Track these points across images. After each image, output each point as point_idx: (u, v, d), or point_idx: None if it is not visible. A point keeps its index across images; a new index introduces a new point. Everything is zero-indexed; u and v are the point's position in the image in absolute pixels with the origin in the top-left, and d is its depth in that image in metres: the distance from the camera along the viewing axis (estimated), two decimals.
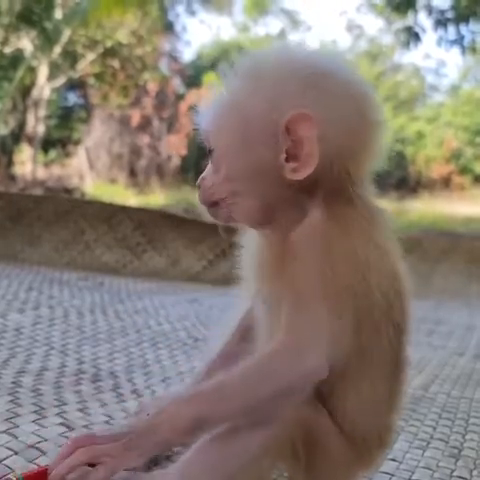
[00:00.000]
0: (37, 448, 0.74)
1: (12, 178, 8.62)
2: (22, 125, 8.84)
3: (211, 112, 0.64)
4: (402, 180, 9.95)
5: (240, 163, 0.62)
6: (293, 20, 11.51)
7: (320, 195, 0.60)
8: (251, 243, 0.66)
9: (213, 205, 0.65)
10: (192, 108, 0.66)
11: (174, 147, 10.70)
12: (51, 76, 8.67)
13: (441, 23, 6.20)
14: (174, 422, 0.56)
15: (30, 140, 8.95)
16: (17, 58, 6.70)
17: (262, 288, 0.63)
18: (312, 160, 0.58)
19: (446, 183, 10.38)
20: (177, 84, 11.30)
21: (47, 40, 6.62)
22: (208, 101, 0.65)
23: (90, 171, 10.02)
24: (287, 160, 0.59)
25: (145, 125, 10.61)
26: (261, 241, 0.64)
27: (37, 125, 8.88)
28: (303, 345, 0.57)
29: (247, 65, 0.63)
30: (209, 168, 0.65)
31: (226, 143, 0.63)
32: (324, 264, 0.57)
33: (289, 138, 0.59)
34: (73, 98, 10.48)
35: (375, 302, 0.58)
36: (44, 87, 8.67)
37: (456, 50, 6.75)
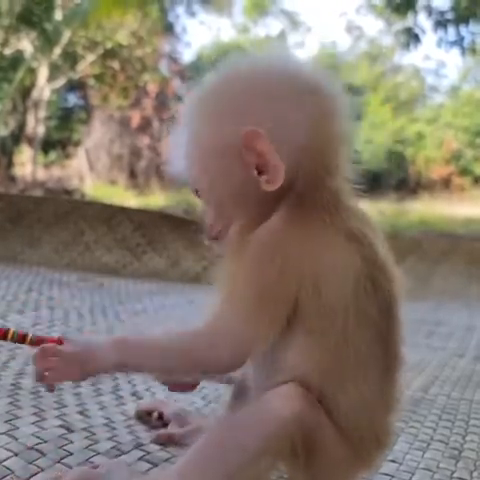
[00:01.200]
0: (37, 450, 0.74)
1: (12, 179, 8.62)
2: (22, 126, 8.84)
3: (179, 155, 0.66)
4: (402, 181, 9.95)
5: (222, 190, 0.64)
6: (293, 21, 11.52)
7: (291, 199, 0.61)
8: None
9: (216, 239, 0.67)
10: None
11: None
12: (51, 77, 8.68)
13: (441, 24, 6.20)
14: (99, 363, 0.62)
15: (30, 141, 8.95)
16: (17, 59, 6.70)
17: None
18: (279, 169, 0.60)
19: (446, 184, 10.38)
20: (177, 85, 11.32)
21: (47, 41, 6.62)
22: (173, 145, 0.68)
23: (90, 172, 10.03)
24: (259, 174, 0.61)
25: (145, 126, 10.62)
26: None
27: (37, 126, 8.88)
28: (222, 338, 0.60)
29: (194, 97, 0.66)
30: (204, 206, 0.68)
31: (203, 176, 0.65)
32: (265, 266, 0.59)
33: (253, 154, 0.60)
34: (73, 99, 10.48)
35: (328, 306, 0.59)
36: (44, 88, 8.67)
37: (456, 51, 6.75)
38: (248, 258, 0.60)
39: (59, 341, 0.66)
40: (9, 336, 0.69)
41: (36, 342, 0.68)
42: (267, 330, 0.60)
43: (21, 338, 0.69)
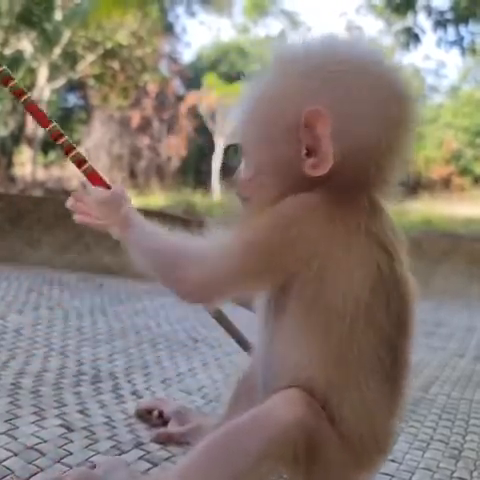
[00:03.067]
0: (37, 449, 0.74)
1: (12, 179, 8.63)
2: (22, 126, 8.85)
3: (240, 107, 0.65)
4: (401, 181, 9.93)
5: (266, 157, 0.63)
6: (293, 21, 11.53)
7: (331, 187, 0.59)
8: None
9: (245, 199, 0.66)
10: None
11: (174, 148, 10.71)
12: (51, 77, 8.68)
13: (441, 24, 6.20)
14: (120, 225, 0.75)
15: (30, 141, 8.96)
16: (17, 59, 6.70)
17: None
18: (328, 158, 0.58)
19: (446, 184, 10.39)
20: (177, 85, 11.32)
21: (47, 41, 6.63)
22: (240, 96, 0.66)
23: None
24: (307, 155, 0.60)
25: (145, 126, 10.63)
26: None
27: (37, 127, 8.87)
28: (199, 258, 0.62)
29: (275, 59, 0.64)
30: (243, 163, 0.67)
31: (253, 138, 0.64)
32: (277, 229, 0.59)
33: (309, 134, 0.59)
34: (73, 99, 10.49)
35: (335, 301, 0.58)
36: (44, 88, 8.67)
37: (456, 51, 6.77)
38: (267, 215, 0.60)
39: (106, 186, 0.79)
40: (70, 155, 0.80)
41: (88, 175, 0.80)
42: (243, 280, 0.61)
43: (79, 163, 0.80)
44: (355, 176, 0.60)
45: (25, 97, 0.79)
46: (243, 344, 1.16)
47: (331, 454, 0.60)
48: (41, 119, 0.81)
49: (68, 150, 0.80)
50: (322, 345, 0.59)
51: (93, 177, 0.80)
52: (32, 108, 0.81)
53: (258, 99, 0.64)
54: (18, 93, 0.79)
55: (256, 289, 0.65)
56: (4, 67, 0.78)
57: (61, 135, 0.80)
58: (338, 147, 0.58)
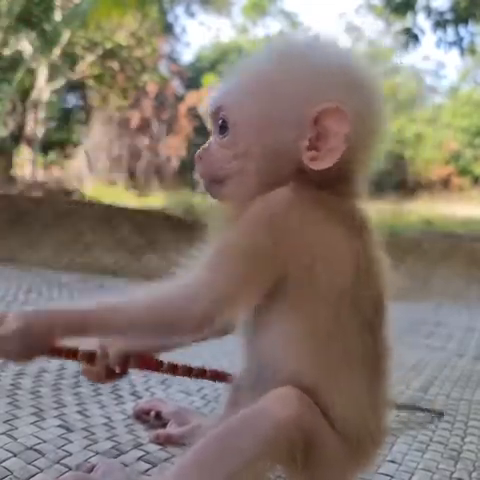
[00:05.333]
0: (36, 450, 0.74)
1: (11, 180, 8.62)
2: (21, 127, 8.84)
3: (230, 87, 0.64)
4: (401, 182, 9.95)
5: (260, 141, 0.61)
6: (292, 21, 11.54)
7: (311, 177, 0.59)
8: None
9: (217, 181, 0.64)
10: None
11: (173, 149, 10.71)
12: (50, 78, 8.68)
13: (440, 25, 6.20)
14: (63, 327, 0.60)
15: (29, 142, 8.95)
16: (16, 60, 6.70)
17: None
18: (334, 155, 0.58)
19: (445, 185, 10.40)
20: (176, 86, 11.33)
21: (46, 42, 6.61)
22: (226, 77, 0.65)
23: (89, 173, 10.03)
24: (308, 148, 0.59)
25: (144, 127, 10.63)
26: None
27: (36, 127, 8.88)
28: (198, 289, 0.58)
29: (283, 47, 0.64)
30: (216, 141, 0.64)
31: (249, 119, 0.62)
32: (262, 230, 0.57)
33: (316, 128, 0.59)
34: (72, 100, 10.49)
35: (324, 290, 0.58)
36: (43, 89, 8.67)
37: (455, 52, 6.77)
38: (246, 219, 0.58)
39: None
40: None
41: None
42: (247, 293, 0.59)
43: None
44: (339, 171, 0.60)
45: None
46: None
47: (328, 450, 0.60)
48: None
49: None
50: (309, 338, 0.59)
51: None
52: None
53: (262, 80, 0.62)
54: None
55: (261, 292, 0.60)
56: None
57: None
58: (346, 148, 0.58)
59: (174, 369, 0.80)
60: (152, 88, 10.39)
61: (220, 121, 0.63)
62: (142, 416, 0.91)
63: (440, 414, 1.09)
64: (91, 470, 0.70)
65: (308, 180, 0.60)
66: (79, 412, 0.90)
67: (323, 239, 0.58)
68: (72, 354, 0.75)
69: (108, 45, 9.10)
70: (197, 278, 0.58)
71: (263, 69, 0.62)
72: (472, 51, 6.58)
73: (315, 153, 0.59)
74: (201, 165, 0.65)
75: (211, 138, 0.65)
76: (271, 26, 12.11)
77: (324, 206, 0.59)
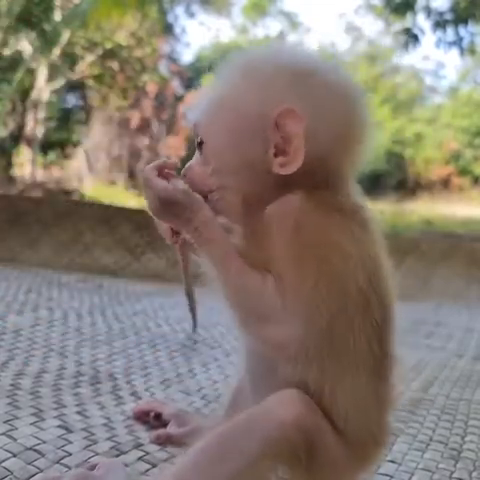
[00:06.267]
0: (36, 450, 0.74)
1: (11, 180, 8.62)
2: (21, 127, 8.84)
3: (202, 105, 0.65)
4: (401, 182, 9.96)
5: (230, 157, 0.63)
6: (292, 22, 11.54)
7: (303, 188, 0.60)
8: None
9: (203, 197, 0.64)
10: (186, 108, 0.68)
11: (173, 149, 10.70)
12: (50, 78, 8.68)
13: (440, 25, 6.21)
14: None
15: (29, 142, 8.95)
16: (16, 60, 6.70)
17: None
18: (299, 155, 0.59)
19: (445, 184, 10.40)
20: (176, 86, 11.32)
21: (46, 42, 6.62)
22: (200, 95, 0.67)
23: (89, 173, 10.03)
24: (276, 155, 0.61)
25: (144, 127, 10.62)
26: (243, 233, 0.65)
27: (36, 127, 8.88)
28: (293, 316, 0.58)
29: (240, 61, 0.65)
30: (197, 158, 0.66)
31: (217, 137, 0.64)
32: (296, 242, 0.58)
33: (278, 133, 0.60)
34: (72, 100, 10.48)
35: (349, 293, 0.58)
36: (43, 89, 8.67)
37: (455, 52, 6.77)
38: (278, 232, 0.59)
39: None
40: None
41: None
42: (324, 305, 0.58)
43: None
44: (324, 174, 0.61)
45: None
46: (194, 324, 1.47)
47: (330, 451, 0.60)
48: None
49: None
50: (318, 339, 0.59)
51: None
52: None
53: (224, 98, 0.64)
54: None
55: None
56: None
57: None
58: (308, 146, 0.59)
59: None
60: (152, 88, 10.39)
61: (198, 138, 0.66)
62: (141, 417, 0.91)
63: None
64: (93, 469, 0.70)
65: (304, 184, 0.60)
66: (79, 412, 0.90)
67: (340, 243, 0.59)
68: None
69: (108, 45, 9.10)
70: (294, 313, 0.58)
71: (226, 85, 0.65)
72: (472, 51, 6.59)
73: (283, 159, 0.60)
74: (186, 182, 0.65)
75: (195, 154, 0.67)
76: (271, 26, 12.11)
77: (335, 208, 0.60)
